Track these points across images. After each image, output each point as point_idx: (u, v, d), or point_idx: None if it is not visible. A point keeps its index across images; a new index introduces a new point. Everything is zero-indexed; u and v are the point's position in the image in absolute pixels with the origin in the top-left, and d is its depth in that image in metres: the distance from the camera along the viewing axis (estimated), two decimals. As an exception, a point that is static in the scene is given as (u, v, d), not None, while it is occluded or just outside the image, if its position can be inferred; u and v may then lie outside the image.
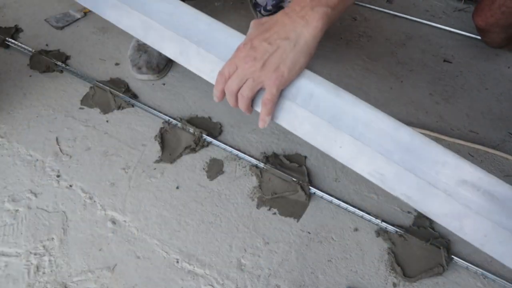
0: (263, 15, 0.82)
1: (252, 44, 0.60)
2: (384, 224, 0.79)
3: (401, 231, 0.78)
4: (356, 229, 0.80)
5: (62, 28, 1.22)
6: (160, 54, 1.09)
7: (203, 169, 0.89)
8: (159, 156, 0.91)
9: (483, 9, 1.04)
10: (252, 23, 0.62)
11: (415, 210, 0.83)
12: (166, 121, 0.96)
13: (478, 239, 0.59)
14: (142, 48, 1.09)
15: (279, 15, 0.61)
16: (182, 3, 0.70)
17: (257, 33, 0.61)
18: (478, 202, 0.56)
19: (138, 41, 1.10)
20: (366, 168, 0.61)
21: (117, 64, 1.12)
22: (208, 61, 0.66)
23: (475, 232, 0.59)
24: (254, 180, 0.87)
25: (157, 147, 0.92)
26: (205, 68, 0.67)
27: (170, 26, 0.68)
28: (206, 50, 0.66)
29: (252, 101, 0.63)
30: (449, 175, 0.57)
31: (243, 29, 0.63)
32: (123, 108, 1.00)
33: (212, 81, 0.65)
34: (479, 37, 1.23)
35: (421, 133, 1.07)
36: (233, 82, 0.61)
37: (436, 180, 0.58)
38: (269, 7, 0.84)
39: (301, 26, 0.58)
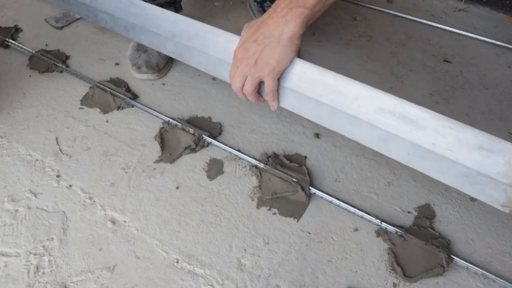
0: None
1: (245, 47, 0.70)
2: (384, 225, 0.79)
3: (401, 231, 0.78)
4: (356, 229, 0.80)
5: (62, 28, 1.22)
6: (159, 53, 1.09)
7: (203, 169, 0.89)
8: (159, 156, 0.90)
9: None
10: (244, 27, 0.73)
11: (415, 210, 0.83)
12: (166, 121, 0.96)
13: (404, 157, 0.67)
14: (141, 48, 1.09)
15: (264, 16, 0.69)
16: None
17: (247, 35, 0.70)
18: (396, 125, 0.64)
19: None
20: (308, 112, 0.73)
21: (117, 64, 1.12)
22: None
23: (400, 152, 0.67)
24: (254, 180, 0.87)
25: (157, 147, 0.92)
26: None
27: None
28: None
29: (260, 94, 0.75)
30: (368, 106, 0.66)
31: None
32: (123, 108, 1.00)
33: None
34: (479, 37, 1.23)
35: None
36: (236, 81, 0.72)
37: (359, 113, 0.67)
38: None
39: (282, 25, 0.66)
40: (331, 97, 0.69)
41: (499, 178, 0.60)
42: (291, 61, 0.69)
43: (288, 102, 0.75)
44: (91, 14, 1.01)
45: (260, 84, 0.73)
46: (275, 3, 0.69)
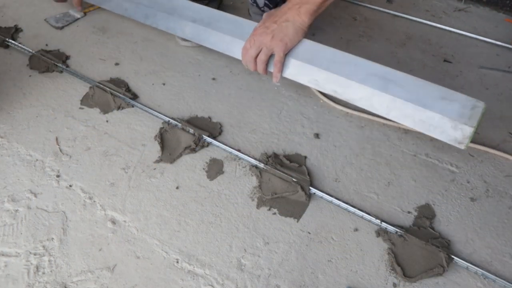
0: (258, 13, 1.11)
1: (265, 25, 0.89)
2: (384, 225, 0.79)
3: (401, 232, 0.78)
4: (356, 229, 0.80)
5: (62, 28, 1.22)
6: None
7: (203, 169, 0.89)
8: (159, 156, 0.90)
9: None
10: (265, 14, 0.93)
11: (415, 210, 0.83)
12: (166, 121, 0.96)
13: (384, 110, 0.84)
14: None
15: (283, 8, 0.89)
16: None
17: (268, 18, 0.90)
18: (378, 83, 0.83)
19: None
20: (306, 80, 0.90)
21: (117, 64, 1.12)
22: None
23: (380, 106, 0.84)
24: (254, 180, 0.87)
25: (157, 147, 0.92)
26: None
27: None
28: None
29: (267, 66, 0.91)
30: (359, 71, 0.85)
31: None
32: (123, 108, 1.00)
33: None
34: (479, 37, 1.23)
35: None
36: (252, 50, 0.89)
37: (351, 75, 0.85)
38: (261, 5, 1.15)
39: (296, 15, 0.87)
40: (329, 65, 0.87)
41: (457, 119, 0.77)
42: (299, 41, 0.89)
43: (290, 72, 0.90)
44: (113, 4, 1.14)
45: (269, 59, 0.90)
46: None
